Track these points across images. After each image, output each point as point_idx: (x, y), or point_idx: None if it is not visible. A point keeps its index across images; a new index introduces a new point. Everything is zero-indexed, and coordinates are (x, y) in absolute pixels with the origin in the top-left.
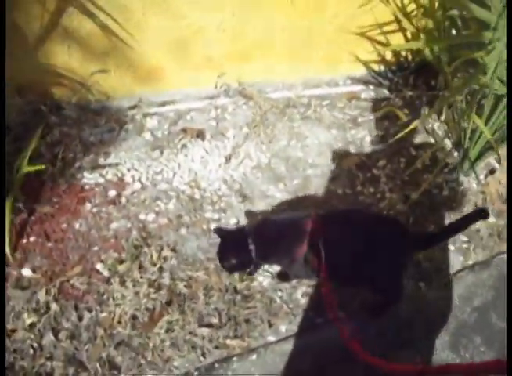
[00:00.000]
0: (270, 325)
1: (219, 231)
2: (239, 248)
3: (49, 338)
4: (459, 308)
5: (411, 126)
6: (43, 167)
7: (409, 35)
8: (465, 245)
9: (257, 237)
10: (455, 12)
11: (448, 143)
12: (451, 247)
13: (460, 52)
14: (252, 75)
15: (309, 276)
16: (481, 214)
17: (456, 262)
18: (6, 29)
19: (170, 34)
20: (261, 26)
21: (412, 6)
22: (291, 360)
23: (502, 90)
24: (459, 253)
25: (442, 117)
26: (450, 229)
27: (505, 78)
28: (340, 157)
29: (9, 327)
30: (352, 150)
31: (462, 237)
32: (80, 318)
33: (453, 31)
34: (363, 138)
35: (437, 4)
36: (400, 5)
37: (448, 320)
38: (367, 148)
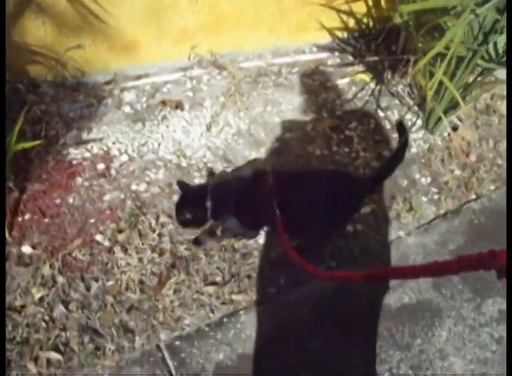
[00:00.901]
0: (270, 278)
1: (182, 185)
2: (197, 204)
3: (60, 309)
4: (437, 252)
5: (376, 88)
6: (37, 143)
7: (370, 3)
8: (436, 196)
9: (215, 196)
10: None
11: (412, 104)
12: (423, 199)
13: (428, 18)
14: (223, 46)
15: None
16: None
17: (429, 211)
18: None
19: (144, 8)
20: None
21: None
22: (293, 309)
23: (463, 52)
24: (431, 203)
25: (405, 81)
26: (389, 164)
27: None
28: (314, 120)
29: (17, 303)
30: (324, 113)
31: (432, 189)
32: (87, 288)
33: None
34: (333, 101)
35: None
36: None
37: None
38: (338, 111)
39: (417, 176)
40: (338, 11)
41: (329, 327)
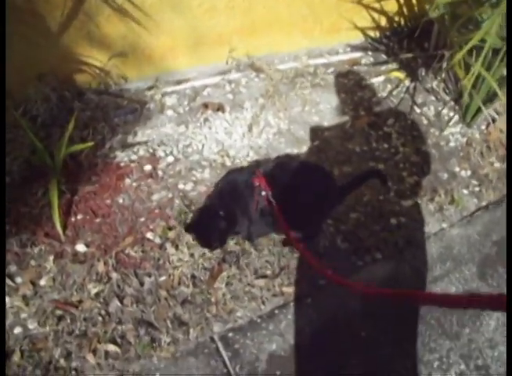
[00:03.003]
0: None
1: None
2: (211, 228)
3: (115, 304)
4: (481, 243)
5: (411, 84)
6: (89, 145)
7: (401, 1)
8: (477, 188)
9: (222, 207)
10: None
11: (448, 99)
12: (464, 191)
13: (463, 10)
14: (260, 49)
15: (269, 229)
16: (374, 174)
17: (471, 203)
18: (29, 18)
19: (182, 14)
20: (266, 2)
21: None
22: (343, 300)
23: (499, 44)
24: (472, 196)
25: (439, 76)
26: (352, 184)
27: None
28: (352, 118)
29: (74, 298)
30: (362, 111)
31: (473, 181)
32: (141, 283)
33: None
34: (369, 99)
35: None
36: None
37: (473, 254)
38: (375, 108)
39: (457, 169)
40: (370, 10)
41: (379, 316)
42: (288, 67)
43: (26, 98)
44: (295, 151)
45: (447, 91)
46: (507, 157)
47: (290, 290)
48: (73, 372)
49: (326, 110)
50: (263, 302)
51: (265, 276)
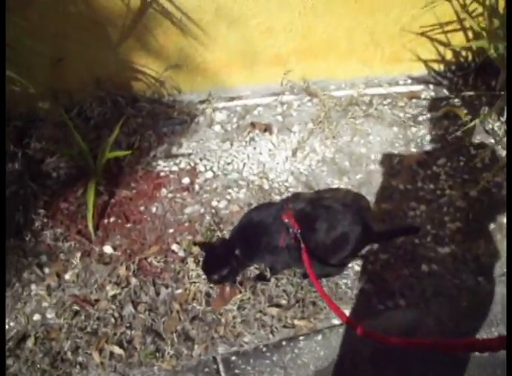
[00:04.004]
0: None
1: (205, 246)
2: (227, 258)
3: (129, 309)
4: None
5: (471, 124)
6: (128, 152)
7: (470, 35)
8: None
9: (240, 240)
10: None
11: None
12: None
13: None
14: (316, 73)
15: (292, 264)
16: (413, 230)
17: None
18: (91, 26)
19: (239, 32)
20: (326, 26)
21: (475, 5)
22: (354, 343)
23: None
24: None
25: (503, 118)
26: (389, 234)
27: None
28: (401, 153)
29: (93, 297)
30: (413, 147)
31: None
32: (157, 293)
33: None
34: (423, 136)
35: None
36: (462, 3)
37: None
38: (427, 146)
39: (505, 221)
40: (434, 42)
41: (386, 365)
42: (343, 94)
43: (82, 100)
44: (336, 182)
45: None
46: (507, 157)
47: (301, 323)
48: (78, 366)
49: (375, 142)
50: (272, 332)
51: (279, 306)
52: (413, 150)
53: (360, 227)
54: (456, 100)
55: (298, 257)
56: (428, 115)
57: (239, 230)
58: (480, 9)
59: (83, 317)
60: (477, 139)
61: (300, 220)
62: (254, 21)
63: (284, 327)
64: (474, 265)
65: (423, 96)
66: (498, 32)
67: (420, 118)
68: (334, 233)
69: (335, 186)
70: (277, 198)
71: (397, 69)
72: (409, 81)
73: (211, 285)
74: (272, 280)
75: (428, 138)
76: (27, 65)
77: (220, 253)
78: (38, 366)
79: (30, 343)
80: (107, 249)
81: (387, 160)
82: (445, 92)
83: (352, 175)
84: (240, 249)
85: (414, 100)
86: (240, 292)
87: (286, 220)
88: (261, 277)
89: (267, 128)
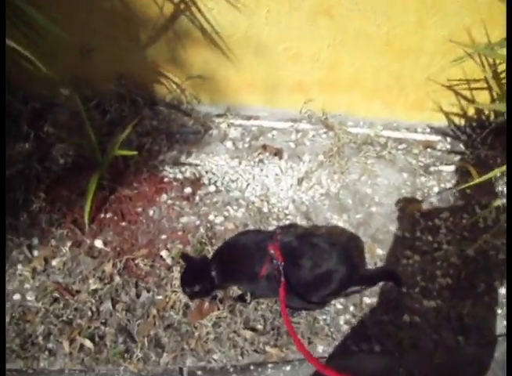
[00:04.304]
0: (309, 342)
1: (185, 258)
2: (202, 275)
3: (107, 305)
4: (494, 372)
5: (480, 179)
6: (135, 153)
7: (495, 96)
8: None
9: (219, 261)
10: None
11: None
12: (498, 311)
13: None
14: (336, 107)
15: (271, 294)
16: (391, 278)
17: (500, 325)
18: (122, 23)
19: (266, 55)
20: (353, 61)
21: (503, 67)
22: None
23: None
24: (504, 317)
25: None
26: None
27: None
28: (406, 201)
29: (74, 287)
30: (419, 196)
31: None
32: (138, 295)
33: None
34: (432, 187)
35: None
36: (492, 64)
37: None
38: (433, 198)
39: (496, 283)
40: (460, 96)
41: None
42: (360, 132)
43: (103, 93)
44: (335, 217)
45: None
46: (507, 157)
47: (273, 351)
48: (47, 352)
49: (382, 184)
50: (242, 354)
51: (254, 330)
52: (419, 198)
53: (345, 268)
54: (471, 157)
55: (277, 289)
56: (440, 167)
57: (221, 252)
58: None
59: (61, 305)
60: (485, 199)
61: (285, 253)
62: (283, 46)
63: (255, 351)
64: (456, 324)
65: (438, 147)
66: None
67: (432, 169)
68: (318, 271)
69: (334, 222)
70: (274, 223)
71: (418, 116)
72: (428, 130)
73: None
74: (253, 303)
75: (436, 189)
76: (54, 52)
77: (197, 269)
78: (8, 345)
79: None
80: (98, 243)
81: (391, 204)
82: (462, 146)
83: (353, 213)
84: (217, 271)
85: (429, 150)
86: (218, 309)
87: (272, 251)
88: (241, 298)
89: (277, 153)
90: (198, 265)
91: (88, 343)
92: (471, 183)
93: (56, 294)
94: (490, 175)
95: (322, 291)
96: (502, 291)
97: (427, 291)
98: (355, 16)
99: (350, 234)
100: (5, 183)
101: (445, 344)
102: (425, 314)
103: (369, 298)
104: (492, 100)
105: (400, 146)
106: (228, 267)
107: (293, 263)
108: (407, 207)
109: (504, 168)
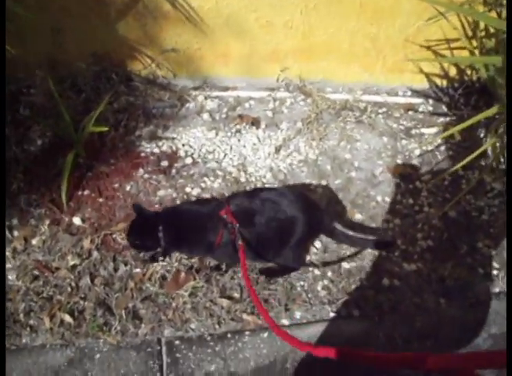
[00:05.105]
0: (286, 309)
1: (137, 209)
2: (148, 232)
3: (86, 281)
4: (475, 331)
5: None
6: (106, 129)
7: (476, 54)
8: (495, 272)
9: (169, 226)
10: None
11: (499, 168)
12: (480, 271)
13: None
14: (314, 74)
15: (232, 260)
16: (388, 245)
17: (483, 286)
18: (91, 1)
19: (239, 24)
20: (328, 27)
21: (482, 25)
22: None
23: None
24: (486, 278)
25: (499, 142)
26: (357, 241)
27: None
28: (386, 164)
29: (54, 264)
30: (400, 159)
31: (494, 264)
32: (115, 269)
33: None
34: (413, 150)
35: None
36: (471, 22)
37: (462, 341)
38: (415, 160)
39: (480, 245)
40: (439, 57)
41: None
42: (338, 98)
43: (77, 72)
44: (313, 183)
45: (500, 158)
46: (507, 157)
47: (249, 319)
48: (28, 329)
49: (362, 149)
50: (219, 322)
51: (230, 298)
52: (399, 162)
53: (303, 215)
54: (454, 119)
55: (237, 254)
56: (422, 130)
57: (172, 217)
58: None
59: (41, 283)
60: (469, 159)
61: (238, 215)
62: (254, 15)
63: (232, 319)
64: (437, 287)
65: (420, 110)
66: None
67: (413, 132)
68: (274, 224)
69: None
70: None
71: (398, 79)
72: (409, 92)
73: (168, 268)
74: (229, 272)
75: (417, 152)
76: (27, 34)
77: (147, 224)
78: None
79: None
80: (76, 220)
81: (370, 169)
82: (444, 108)
83: (332, 179)
84: (166, 234)
85: (410, 113)
86: (195, 279)
87: (224, 216)
88: (217, 268)
89: (254, 122)
90: (148, 221)
91: (67, 318)
92: (453, 142)
93: (36, 272)
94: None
95: (286, 245)
96: (488, 251)
97: (408, 254)
98: None
99: (328, 198)
100: (5, 182)
101: (426, 307)
102: (405, 277)
103: (348, 264)
104: (473, 60)
105: (380, 110)
106: (179, 236)
107: (248, 223)
108: (388, 171)
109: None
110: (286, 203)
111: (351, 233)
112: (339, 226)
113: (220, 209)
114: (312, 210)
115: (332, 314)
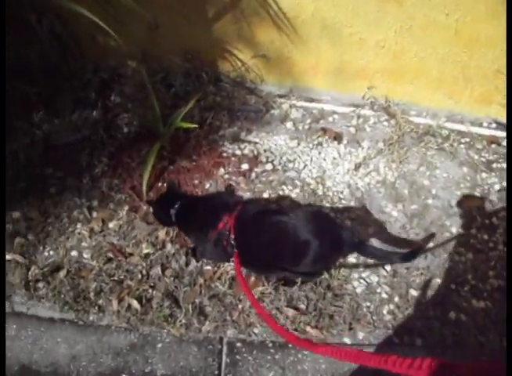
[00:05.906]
0: (350, 328)
1: (170, 185)
2: (166, 207)
3: (157, 270)
4: None
5: None
6: (196, 126)
7: None
8: None
9: (182, 208)
10: None
11: None
12: None
13: None
14: (400, 95)
15: (217, 259)
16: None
17: None
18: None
19: (332, 38)
20: (419, 50)
21: None
22: (357, 368)
23: None
24: None
25: None
26: (386, 255)
27: None
28: (464, 196)
29: (128, 250)
30: (478, 192)
31: None
32: (187, 263)
33: None
34: (492, 184)
35: None
36: None
37: None
38: (493, 195)
39: None
40: None
41: None
42: (422, 122)
43: (169, 68)
44: (389, 206)
45: None
46: (507, 157)
47: (313, 332)
48: (96, 308)
49: (441, 177)
50: None
51: (296, 309)
52: (477, 194)
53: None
54: None
55: (223, 256)
56: (504, 165)
57: (189, 200)
58: None
59: (114, 266)
60: None
61: (240, 227)
62: (349, 30)
63: (295, 330)
64: (503, 328)
65: (503, 144)
66: None
67: (494, 165)
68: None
69: (387, 211)
70: (327, 206)
71: (484, 110)
72: (494, 125)
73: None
74: (297, 282)
75: (497, 187)
76: (125, 23)
77: (168, 200)
78: (63, 296)
79: (62, 274)
80: None
81: (447, 198)
82: None
83: (408, 203)
84: (177, 213)
85: (493, 146)
86: (263, 285)
87: (226, 221)
88: (286, 281)
89: (337, 137)
90: (171, 198)
91: (135, 304)
92: None
93: (110, 255)
94: None
95: (297, 266)
96: None
97: (478, 290)
98: (423, 3)
99: (403, 223)
100: (5, 181)
101: (491, 347)
102: (473, 314)
103: (416, 291)
104: None
105: (463, 140)
106: (186, 218)
107: (246, 239)
108: (465, 203)
109: None
110: (294, 224)
111: (383, 248)
112: (374, 242)
113: (229, 212)
114: (325, 230)
115: (395, 340)
